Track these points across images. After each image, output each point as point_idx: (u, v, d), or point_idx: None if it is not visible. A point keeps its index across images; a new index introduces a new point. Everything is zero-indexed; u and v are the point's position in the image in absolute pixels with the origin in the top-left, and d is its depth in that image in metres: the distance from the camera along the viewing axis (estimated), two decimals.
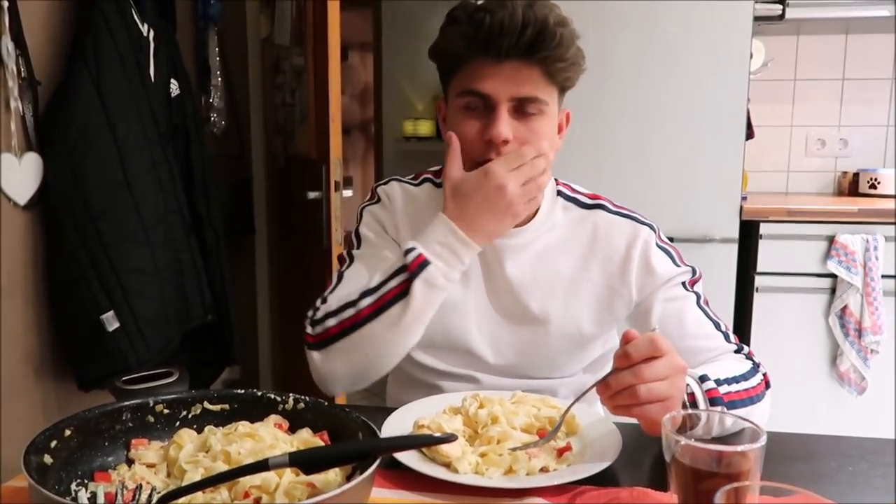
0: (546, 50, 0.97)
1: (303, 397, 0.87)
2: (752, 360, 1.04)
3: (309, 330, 1.03)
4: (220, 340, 2.30)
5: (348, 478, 0.74)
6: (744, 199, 2.45)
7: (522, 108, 1.00)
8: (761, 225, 2.43)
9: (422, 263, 0.97)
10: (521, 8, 0.96)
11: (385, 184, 1.20)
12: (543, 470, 0.82)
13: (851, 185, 2.93)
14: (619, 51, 2.40)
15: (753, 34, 2.36)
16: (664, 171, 2.42)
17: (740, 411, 0.90)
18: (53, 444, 0.73)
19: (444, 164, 1.05)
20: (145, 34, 1.98)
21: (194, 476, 0.73)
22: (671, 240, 1.15)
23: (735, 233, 2.42)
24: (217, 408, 0.87)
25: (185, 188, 2.12)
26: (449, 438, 0.75)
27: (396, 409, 0.96)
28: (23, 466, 0.67)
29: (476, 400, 0.94)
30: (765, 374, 1.02)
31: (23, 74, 1.71)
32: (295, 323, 2.74)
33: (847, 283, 2.37)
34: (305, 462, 0.69)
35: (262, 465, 0.67)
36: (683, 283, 1.09)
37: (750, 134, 2.51)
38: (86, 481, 0.75)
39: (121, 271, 1.82)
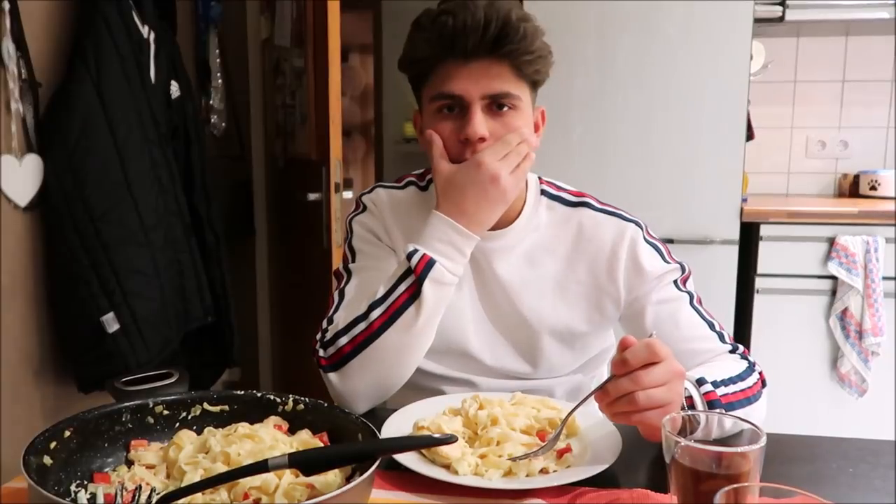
0: (511, 44, 0.98)
1: (302, 398, 0.87)
2: (747, 359, 1.04)
3: (321, 353, 1.02)
4: (219, 342, 2.30)
5: (348, 479, 0.74)
6: (744, 200, 2.45)
7: (495, 105, 1.01)
8: (762, 226, 2.43)
9: (428, 263, 0.98)
10: (482, 7, 0.98)
11: (370, 192, 1.20)
12: (543, 471, 0.82)
13: (852, 187, 2.93)
14: (620, 52, 2.40)
15: (753, 36, 2.36)
16: (664, 173, 2.42)
17: (738, 412, 0.90)
18: (53, 445, 0.73)
19: (431, 163, 1.05)
20: (146, 36, 1.98)
21: (194, 477, 0.73)
22: (671, 241, 1.15)
23: (735, 234, 2.41)
24: (217, 409, 0.87)
25: (185, 189, 2.13)
26: (449, 440, 0.75)
27: (396, 410, 0.96)
28: (22, 467, 0.67)
29: (476, 401, 0.94)
30: (760, 373, 1.01)
31: (23, 76, 1.71)
32: (295, 324, 2.76)
33: (848, 284, 2.37)
34: (305, 463, 0.69)
35: (261, 467, 0.67)
36: (676, 282, 1.09)
37: (750, 135, 2.51)
38: (85, 482, 0.75)
39: (121, 272, 1.82)
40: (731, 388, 0.93)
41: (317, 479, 0.72)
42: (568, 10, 2.39)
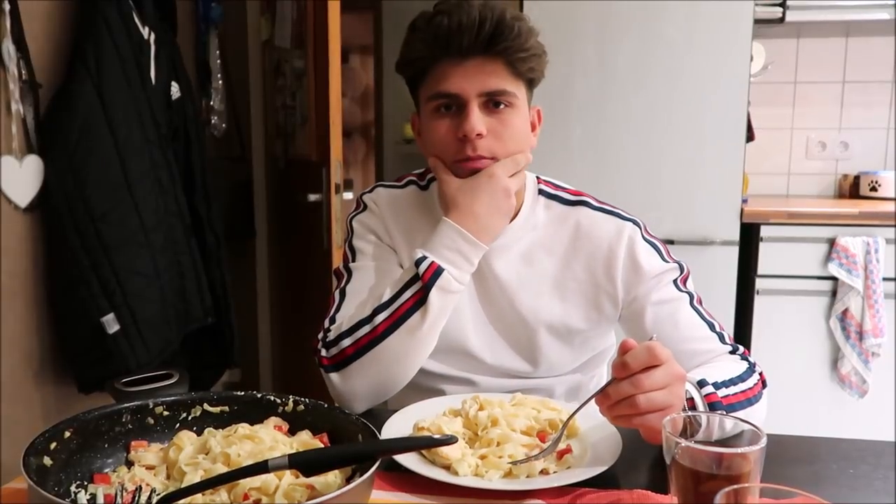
0: (506, 41, 1.00)
1: (303, 399, 0.87)
2: (747, 360, 1.03)
3: (323, 353, 1.02)
4: (220, 342, 2.30)
5: (348, 480, 0.74)
6: (744, 201, 2.45)
7: (492, 103, 1.02)
8: (762, 227, 2.43)
9: (436, 271, 0.99)
10: (477, 7, 0.99)
11: (370, 191, 1.21)
12: (543, 472, 0.82)
13: (852, 188, 2.93)
14: (621, 54, 2.40)
15: (754, 37, 2.36)
16: (665, 174, 2.42)
17: (739, 413, 0.90)
18: (53, 445, 0.73)
19: (438, 182, 1.08)
20: (146, 37, 1.98)
21: (194, 478, 0.73)
22: (671, 242, 1.15)
23: (736, 235, 2.41)
24: (217, 410, 0.87)
25: (185, 190, 2.13)
26: (449, 440, 0.75)
27: (396, 411, 0.96)
28: (22, 468, 0.67)
29: (476, 402, 0.94)
30: (761, 374, 1.01)
31: (24, 77, 1.71)
32: (295, 325, 2.76)
33: (848, 285, 2.37)
34: (305, 464, 0.68)
35: (261, 467, 0.67)
36: (675, 282, 1.08)
37: (750, 136, 2.51)
38: (85, 483, 0.75)
39: (121, 273, 1.82)
40: (732, 390, 0.93)
41: (317, 480, 0.72)
42: (569, 12, 2.39)
